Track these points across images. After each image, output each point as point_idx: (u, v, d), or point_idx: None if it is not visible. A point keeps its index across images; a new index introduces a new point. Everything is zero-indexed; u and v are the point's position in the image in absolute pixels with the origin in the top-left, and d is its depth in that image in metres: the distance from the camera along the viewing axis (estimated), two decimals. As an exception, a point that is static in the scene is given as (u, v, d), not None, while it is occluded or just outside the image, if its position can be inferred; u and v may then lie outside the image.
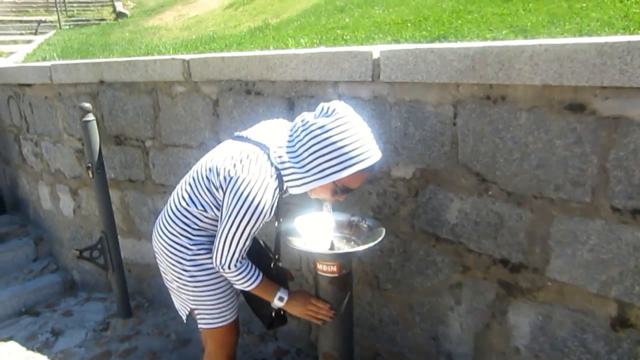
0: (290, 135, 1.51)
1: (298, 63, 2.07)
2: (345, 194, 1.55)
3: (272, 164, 1.49)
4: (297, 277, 2.42)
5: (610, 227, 1.48)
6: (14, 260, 3.52)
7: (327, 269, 1.66)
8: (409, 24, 2.98)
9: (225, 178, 1.50)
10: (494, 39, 2.35)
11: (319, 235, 1.77)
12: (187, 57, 2.45)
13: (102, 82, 2.79)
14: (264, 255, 1.79)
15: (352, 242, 1.76)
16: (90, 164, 2.65)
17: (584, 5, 2.64)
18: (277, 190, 1.49)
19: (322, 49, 2.20)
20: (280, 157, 1.48)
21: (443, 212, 1.90)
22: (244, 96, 2.31)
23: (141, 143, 2.79)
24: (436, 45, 1.70)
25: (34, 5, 13.83)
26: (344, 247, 1.73)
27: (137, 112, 2.74)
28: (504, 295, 1.80)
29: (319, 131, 1.41)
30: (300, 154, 1.44)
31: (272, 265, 1.75)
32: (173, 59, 2.49)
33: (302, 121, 1.48)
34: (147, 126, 2.73)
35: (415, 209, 1.98)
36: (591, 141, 1.46)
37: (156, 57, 2.62)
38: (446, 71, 1.69)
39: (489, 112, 1.67)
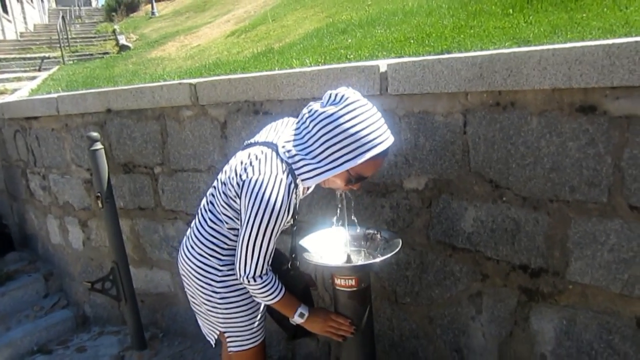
0: (298, 128, 1.48)
1: (305, 81, 2.10)
2: (360, 182, 1.51)
3: (282, 160, 1.44)
4: (313, 295, 2.40)
5: (630, 225, 1.48)
6: (24, 298, 3.49)
7: (345, 284, 1.64)
8: (412, 41, 3.03)
9: (238, 184, 1.47)
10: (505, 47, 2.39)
11: (335, 249, 1.76)
12: (193, 81, 2.48)
13: (109, 110, 2.82)
14: (283, 260, 1.76)
15: (369, 255, 1.75)
16: (99, 194, 2.65)
17: (584, 15, 2.69)
18: (292, 185, 1.43)
19: (329, 65, 2.23)
20: (289, 151, 1.44)
21: (458, 221, 1.90)
22: (252, 117, 2.33)
23: (150, 170, 2.80)
24: (443, 55, 1.73)
25: (37, 43, 14.07)
26: (361, 260, 1.72)
27: (145, 139, 2.76)
28: (525, 301, 1.78)
29: (328, 119, 1.36)
30: (311, 145, 1.40)
31: (290, 265, 1.70)
32: (180, 83, 2.52)
33: (310, 111, 1.43)
34: (155, 152, 2.75)
35: (430, 220, 1.97)
36: (604, 141, 1.48)
37: (163, 83, 2.65)
38: (454, 80, 1.71)
39: (499, 119, 1.68)
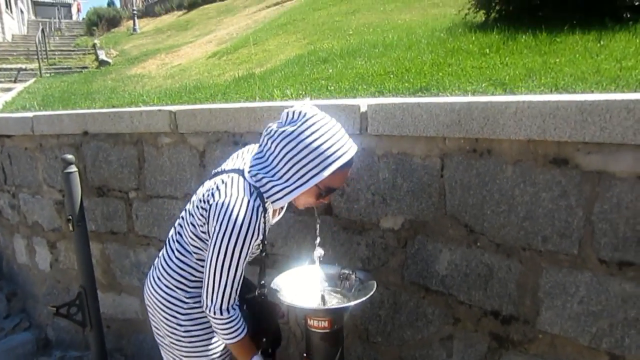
0: (260, 151, 1.47)
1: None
2: (330, 195, 1.50)
3: (249, 184, 1.42)
4: (285, 330, 2.36)
5: (599, 279, 1.50)
6: (-17, 318, 3.36)
7: (318, 325, 1.62)
8: (391, 75, 3.08)
9: (205, 209, 1.44)
10: (475, 91, 2.44)
11: (309, 288, 1.74)
12: (173, 108, 2.46)
13: (86, 133, 2.78)
14: (252, 288, 1.71)
15: (344, 296, 1.74)
16: (70, 217, 2.58)
17: (558, 60, 2.77)
18: (260, 209, 1.40)
19: (311, 101, 2.24)
20: (255, 175, 1.42)
21: (432, 263, 1.90)
22: (231, 147, 2.31)
23: (124, 194, 2.75)
24: (423, 99, 1.76)
25: (14, 54, 13.85)
26: (335, 302, 1.70)
27: (121, 163, 2.71)
28: (495, 347, 1.78)
29: (289, 138, 1.36)
30: (275, 166, 1.39)
31: (257, 292, 1.66)
32: (160, 110, 2.49)
33: (269, 132, 1.43)
34: (131, 177, 2.70)
35: (405, 260, 1.97)
36: (576, 194, 1.51)
37: (142, 108, 2.63)
38: (433, 125, 1.74)
39: (475, 165, 1.71)
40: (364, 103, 1.93)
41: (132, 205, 2.74)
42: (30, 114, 3.00)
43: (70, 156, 2.58)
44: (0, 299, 3.48)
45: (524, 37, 3.56)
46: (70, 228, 2.61)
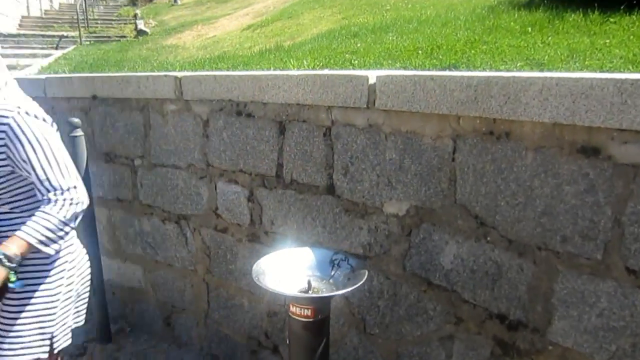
0: None
1: (291, 85, 1.94)
2: None
3: None
4: (282, 313, 2.25)
5: (624, 290, 1.28)
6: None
7: (301, 313, 1.48)
8: (420, 52, 2.85)
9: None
10: (507, 71, 2.19)
11: (295, 273, 1.60)
12: (179, 74, 2.34)
13: (94, 97, 2.70)
14: None
15: (332, 284, 1.59)
16: (75, 179, 2.53)
17: (607, 41, 2.47)
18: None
19: (317, 71, 2.07)
20: None
21: (437, 255, 1.72)
22: (234, 117, 2.18)
23: (130, 161, 2.67)
24: (437, 72, 1.56)
25: (60, 21, 14.11)
26: (321, 288, 1.56)
27: (127, 130, 2.63)
28: (499, 354, 1.60)
29: None
30: None
31: None
32: (166, 75, 2.38)
33: None
34: (137, 144, 2.62)
35: (408, 249, 1.80)
36: (605, 190, 1.29)
37: (149, 73, 2.52)
38: (446, 101, 1.54)
39: (491, 149, 1.50)
40: (372, 74, 1.74)
41: (137, 173, 2.66)
42: (43, 76, 2.95)
43: (76, 120, 2.51)
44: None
45: (572, 15, 3.24)
46: (74, 192, 2.56)
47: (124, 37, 11.65)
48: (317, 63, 2.85)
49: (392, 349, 1.92)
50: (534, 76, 1.35)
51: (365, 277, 1.47)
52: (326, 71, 1.98)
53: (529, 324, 1.50)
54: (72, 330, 1.72)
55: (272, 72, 2.02)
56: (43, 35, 11.50)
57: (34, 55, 8.69)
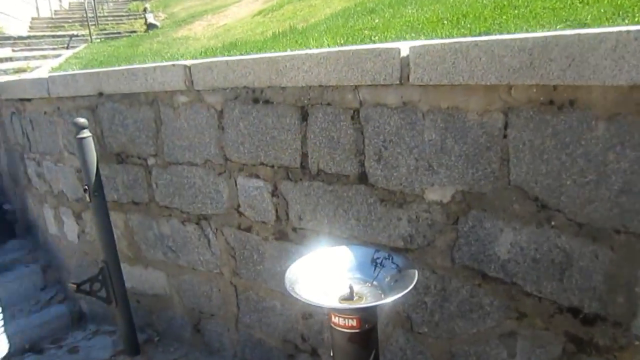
0: None
1: (312, 65, 1.75)
2: None
3: None
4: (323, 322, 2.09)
5: None
6: (20, 290, 3.28)
7: (344, 323, 1.31)
8: (445, 22, 2.62)
9: None
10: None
11: (334, 276, 1.43)
12: (188, 62, 2.16)
13: (101, 94, 2.54)
14: None
15: (377, 287, 1.41)
16: (87, 186, 2.39)
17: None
18: None
19: (340, 47, 1.86)
20: None
21: (491, 244, 1.53)
22: (251, 105, 1.99)
23: (143, 161, 2.52)
24: (482, 37, 1.35)
25: (70, 21, 13.99)
26: (365, 294, 1.38)
27: (137, 127, 2.47)
28: (573, 352, 1.41)
29: None
30: None
31: None
32: (174, 65, 2.20)
33: None
34: (149, 142, 2.45)
35: (456, 239, 1.61)
36: (701, 159, 1.08)
37: (156, 64, 2.34)
38: (495, 70, 1.33)
39: (552, 122, 1.30)
40: (404, 46, 1.54)
41: (152, 173, 2.51)
42: (46, 75, 2.80)
43: (82, 120, 2.35)
44: (36, 271, 3.41)
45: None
46: (88, 198, 2.42)
47: (135, 32, 11.50)
48: (339, 42, 2.64)
49: (445, 349, 1.75)
50: (605, 32, 1.14)
51: (416, 279, 1.29)
52: (350, 47, 1.78)
53: (609, 318, 1.31)
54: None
55: (289, 52, 1.83)
56: (54, 36, 11.40)
57: (45, 57, 8.57)
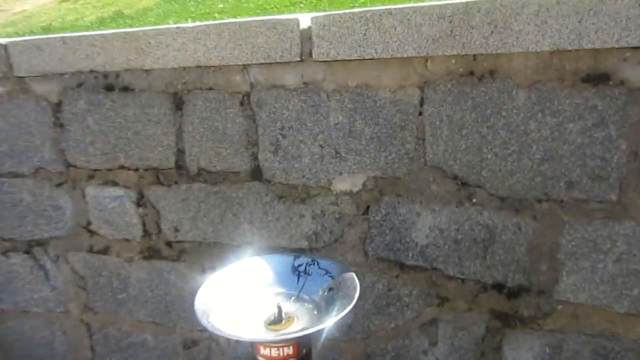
0: None
1: (186, 41, 1.44)
2: None
3: None
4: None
5: (648, 229, 1.16)
6: None
7: (278, 354, 1.06)
8: (302, 4, 2.48)
9: None
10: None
11: (251, 298, 1.17)
12: (3, 40, 1.63)
13: None
14: None
15: (307, 300, 1.19)
16: None
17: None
18: None
19: (222, 20, 1.59)
20: None
21: (407, 231, 1.44)
22: (103, 94, 1.58)
23: None
24: (396, 5, 1.25)
25: None
26: (294, 311, 1.15)
27: None
28: (498, 327, 1.40)
29: None
30: None
31: None
32: (-23, 45, 1.64)
33: None
34: (-58, 150, 1.80)
35: (368, 231, 1.49)
36: (618, 121, 1.13)
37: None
38: (412, 40, 1.23)
39: (471, 94, 1.25)
40: (305, 17, 1.35)
41: (-49, 193, 1.85)
42: None
43: None
44: None
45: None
46: None
47: None
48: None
49: (360, 351, 1.61)
50: (526, -4, 1.12)
51: (357, 285, 1.10)
52: (238, 19, 1.51)
53: (532, 288, 1.32)
54: None
55: (154, 27, 1.48)
56: None
57: None
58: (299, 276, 1.23)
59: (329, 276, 1.19)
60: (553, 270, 1.29)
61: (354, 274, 1.15)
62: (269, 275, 1.23)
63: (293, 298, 1.19)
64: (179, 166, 1.60)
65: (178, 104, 1.53)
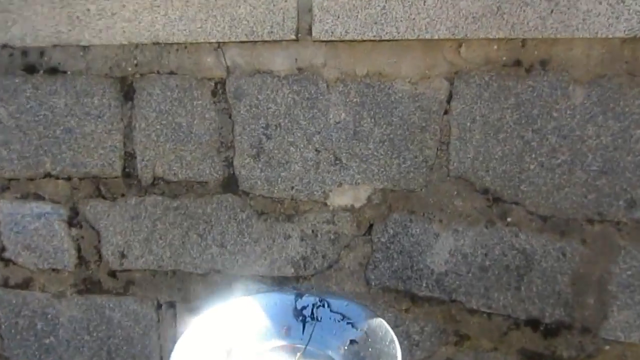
0: None
1: (140, 8, 1.09)
2: None
3: None
4: None
5: None
6: None
7: None
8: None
9: None
10: None
11: (247, 353, 0.86)
12: None
13: None
14: None
15: (318, 356, 0.89)
16: None
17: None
18: None
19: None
20: None
21: (421, 255, 1.18)
22: (21, 78, 1.19)
23: None
24: (427, -29, 0.98)
25: None
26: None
27: None
28: (528, 371, 1.17)
29: None
30: None
31: None
32: None
33: None
34: None
35: (371, 255, 1.21)
36: (699, 127, 0.92)
37: None
38: (446, 18, 0.97)
39: (514, 89, 1.01)
40: (301, -17, 1.05)
41: None
42: None
43: None
44: None
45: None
46: None
47: None
48: None
49: (356, 399, 1.33)
50: (597, -34, 0.89)
51: (396, 342, 0.82)
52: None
53: (575, 324, 1.10)
54: None
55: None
56: None
57: None
58: (304, 322, 0.93)
59: (348, 323, 0.90)
60: (601, 304, 1.07)
61: (383, 321, 0.87)
62: (263, 322, 0.92)
63: (299, 354, 0.88)
64: (128, 174, 1.24)
65: (127, 92, 1.17)
